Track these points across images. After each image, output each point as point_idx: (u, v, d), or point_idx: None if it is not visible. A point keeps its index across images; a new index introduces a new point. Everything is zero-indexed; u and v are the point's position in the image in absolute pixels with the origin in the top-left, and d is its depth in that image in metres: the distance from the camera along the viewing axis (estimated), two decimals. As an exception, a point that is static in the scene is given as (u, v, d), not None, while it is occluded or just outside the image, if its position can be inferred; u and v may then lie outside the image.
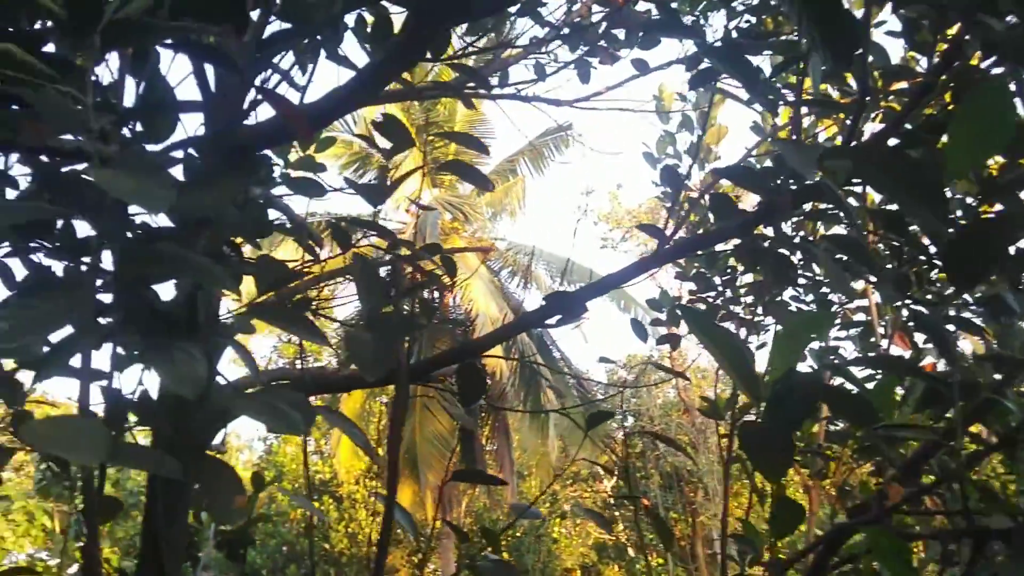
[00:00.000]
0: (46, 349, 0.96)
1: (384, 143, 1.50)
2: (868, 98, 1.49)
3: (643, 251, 22.42)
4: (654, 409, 19.65)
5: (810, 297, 2.98)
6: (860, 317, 3.16)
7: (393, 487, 1.47)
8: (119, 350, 1.03)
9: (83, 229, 1.54)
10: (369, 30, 1.81)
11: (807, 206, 1.87)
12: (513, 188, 16.33)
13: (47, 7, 0.84)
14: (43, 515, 15.80)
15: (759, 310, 3.05)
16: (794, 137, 1.77)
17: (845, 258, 1.48)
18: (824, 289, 2.95)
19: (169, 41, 1.23)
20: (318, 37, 1.60)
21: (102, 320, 1.00)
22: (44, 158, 1.40)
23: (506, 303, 14.15)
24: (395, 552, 17.30)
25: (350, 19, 1.96)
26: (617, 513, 18.54)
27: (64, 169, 1.21)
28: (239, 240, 1.65)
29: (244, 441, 22.61)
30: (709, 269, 3.13)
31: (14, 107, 1.27)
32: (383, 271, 1.51)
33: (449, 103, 14.72)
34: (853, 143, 1.45)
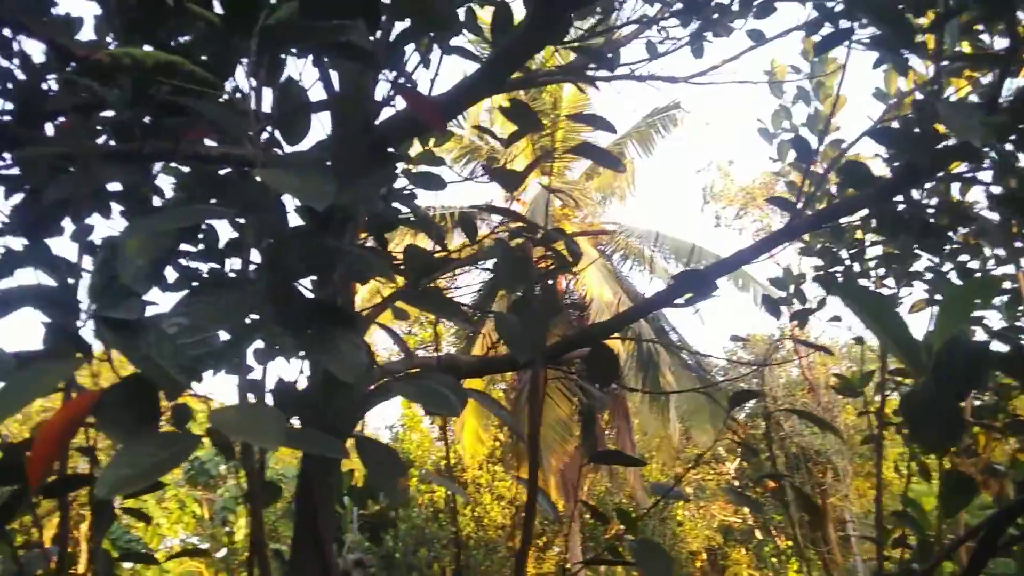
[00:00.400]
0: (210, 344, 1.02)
1: (500, 133, 1.52)
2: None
3: (759, 228, 21.79)
4: (777, 389, 19.12)
5: (947, 266, 2.82)
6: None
7: (534, 469, 1.50)
8: (272, 342, 1.09)
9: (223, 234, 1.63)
10: (484, 23, 1.84)
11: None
12: (622, 170, 16.18)
13: (204, 17, 0.89)
14: (192, 503, 16.88)
15: (890, 282, 2.92)
16: (926, 98, 1.69)
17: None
18: (963, 256, 2.78)
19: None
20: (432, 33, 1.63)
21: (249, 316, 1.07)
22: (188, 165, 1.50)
23: (619, 287, 14.06)
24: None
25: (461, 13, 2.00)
26: (741, 494, 18.13)
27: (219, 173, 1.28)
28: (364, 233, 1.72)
29: (371, 429, 23.33)
30: (836, 243, 3.02)
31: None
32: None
33: (554, 90, 14.69)
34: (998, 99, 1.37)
